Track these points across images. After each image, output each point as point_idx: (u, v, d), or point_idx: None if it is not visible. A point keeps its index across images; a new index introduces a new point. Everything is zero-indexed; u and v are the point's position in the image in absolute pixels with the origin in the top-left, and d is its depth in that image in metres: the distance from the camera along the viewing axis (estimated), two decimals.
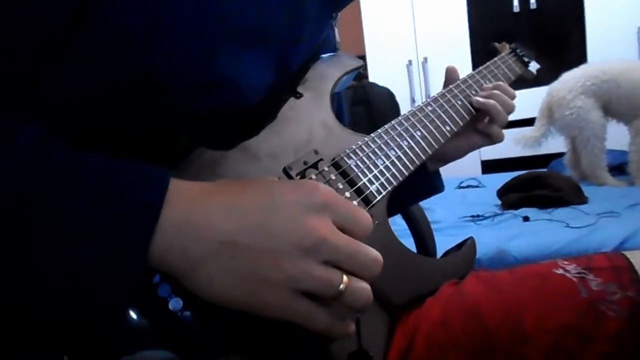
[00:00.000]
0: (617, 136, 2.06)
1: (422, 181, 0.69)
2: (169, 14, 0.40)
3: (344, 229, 0.38)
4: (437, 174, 0.76)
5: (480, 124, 0.72)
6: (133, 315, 0.36)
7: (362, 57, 2.89)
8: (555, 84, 2.02)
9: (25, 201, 0.32)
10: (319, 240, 0.36)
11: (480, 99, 0.71)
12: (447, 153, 0.72)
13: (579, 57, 2.60)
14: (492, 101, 0.70)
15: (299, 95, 0.55)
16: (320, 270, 0.36)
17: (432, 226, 1.20)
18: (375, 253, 0.38)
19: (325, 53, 0.63)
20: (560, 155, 2.31)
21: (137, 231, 0.34)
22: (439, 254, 0.70)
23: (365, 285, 0.37)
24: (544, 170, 2.08)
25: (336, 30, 0.64)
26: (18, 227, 0.32)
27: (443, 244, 0.91)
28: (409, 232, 1.17)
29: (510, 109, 0.72)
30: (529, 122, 2.58)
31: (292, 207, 0.37)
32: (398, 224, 1.11)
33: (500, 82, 0.75)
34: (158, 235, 0.34)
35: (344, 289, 0.36)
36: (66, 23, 0.37)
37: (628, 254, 0.52)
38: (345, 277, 0.36)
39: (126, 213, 0.34)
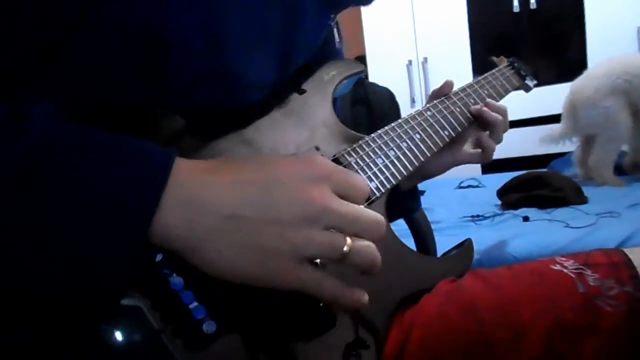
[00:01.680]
0: None
1: (394, 201, 0.66)
2: (178, 13, 0.40)
3: (343, 196, 0.39)
4: (412, 194, 0.76)
5: (483, 135, 0.73)
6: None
7: (362, 57, 2.89)
8: (580, 82, 1.88)
9: (33, 172, 0.32)
10: (321, 208, 0.37)
11: (492, 113, 0.72)
12: (428, 168, 0.71)
13: (579, 57, 2.60)
14: (500, 117, 0.72)
15: (302, 91, 0.55)
16: (323, 235, 0.37)
17: (432, 226, 1.21)
18: (377, 215, 0.39)
19: (326, 53, 0.63)
20: (560, 155, 2.30)
21: (140, 205, 0.34)
22: (439, 254, 0.70)
23: (369, 244, 0.38)
24: (544, 170, 2.07)
25: (336, 30, 0.64)
26: (23, 197, 0.32)
27: (443, 244, 0.92)
28: (409, 232, 1.17)
29: (506, 129, 0.74)
30: (526, 122, 2.59)
31: (292, 178, 0.37)
32: (398, 224, 1.11)
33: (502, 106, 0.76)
34: (162, 211, 0.34)
35: (348, 250, 0.37)
36: (75, 9, 0.37)
37: (627, 250, 0.53)
38: (348, 239, 0.37)
39: (131, 186, 0.34)
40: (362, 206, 0.39)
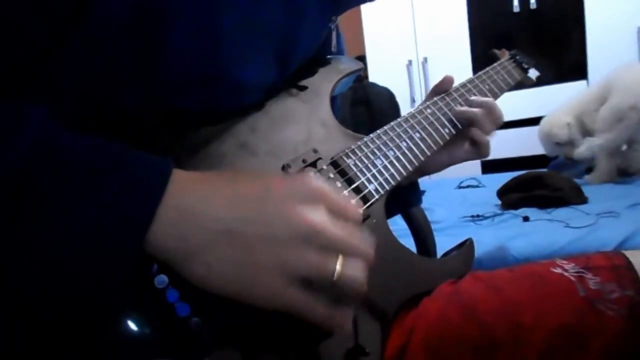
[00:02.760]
0: None
1: (394, 196, 0.65)
2: (175, 14, 0.40)
3: (336, 219, 0.38)
4: (412, 188, 0.74)
5: (474, 131, 0.70)
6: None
7: (362, 57, 2.89)
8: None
9: (29, 179, 0.32)
10: (314, 228, 0.36)
11: (469, 109, 0.69)
12: (427, 166, 0.69)
13: (579, 57, 2.60)
14: (479, 110, 0.69)
15: (303, 87, 0.55)
16: (315, 256, 0.36)
17: (432, 226, 1.20)
18: (366, 240, 0.39)
19: (325, 55, 0.63)
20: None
21: (137, 215, 0.34)
22: (439, 254, 0.70)
23: (359, 271, 0.38)
24: (544, 170, 2.07)
25: (334, 33, 0.64)
26: (18, 205, 0.32)
27: (443, 244, 0.91)
28: (409, 232, 1.17)
29: (496, 121, 0.71)
30: (526, 122, 2.58)
31: (286, 197, 0.37)
32: (398, 224, 1.11)
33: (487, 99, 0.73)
34: (157, 221, 0.34)
35: (339, 274, 0.37)
36: (73, 7, 0.37)
37: (628, 253, 0.52)
38: (339, 263, 0.37)
39: (128, 196, 0.34)
40: (353, 230, 0.39)
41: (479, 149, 0.71)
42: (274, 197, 0.37)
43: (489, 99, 0.72)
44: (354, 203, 0.41)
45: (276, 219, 0.36)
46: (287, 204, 0.37)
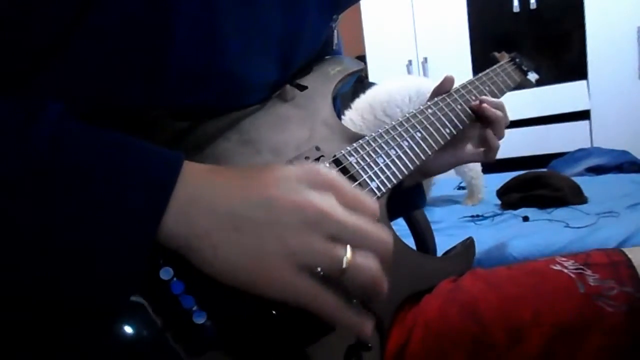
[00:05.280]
0: (610, 137, 2.06)
1: (398, 198, 0.64)
2: (179, 13, 0.41)
3: (348, 208, 0.37)
4: (417, 190, 0.74)
5: (488, 133, 0.70)
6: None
7: (362, 57, 2.89)
8: None
9: (43, 172, 0.33)
10: (322, 214, 0.36)
11: (492, 109, 0.69)
12: (430, 167, 0.70)
13: (579, 57, 2.60)
14: (500, 113, 0.70)
15: (303, 87, 0.55)
16: (323, 244, 0.35)
17: (432, 226, 1.20)
18: (382, 228, 0.37)
19: (326, 54, 0.63)
20: (560, 155, 2.31)
21: (150, 206, 0.34)
22: (439, 254, 0.70)
23: (371, 261, 0.36)
24: (544, 170, 2.07)
25: (335, 32, 0.64)
26: (36, 197, 0.32)
27: (443, 244, 0.91)
28: (409, 232, 1.17)
29: (507, 124, 0.71)
30: (526, 122, 2.59)
31: (295, 184, 0.37)
32: (398, 224, 1.11)
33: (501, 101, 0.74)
34: (168, 211, 0.34)
35: (348, 262, 0.35)
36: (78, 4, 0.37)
37: (627, 250, 0.53)
38: (349, 252, 0.36)
39: (141, 188, 0.34)
40: (368, 219, 0.37)
41: (488, 152, 0.70)
42: (284, 184, 0.37)
43: (500, 100, 0.72)
44: (368, 195, 0.40)
45: (282, 204, 0.36)
46: (295, 191, 0.36)
